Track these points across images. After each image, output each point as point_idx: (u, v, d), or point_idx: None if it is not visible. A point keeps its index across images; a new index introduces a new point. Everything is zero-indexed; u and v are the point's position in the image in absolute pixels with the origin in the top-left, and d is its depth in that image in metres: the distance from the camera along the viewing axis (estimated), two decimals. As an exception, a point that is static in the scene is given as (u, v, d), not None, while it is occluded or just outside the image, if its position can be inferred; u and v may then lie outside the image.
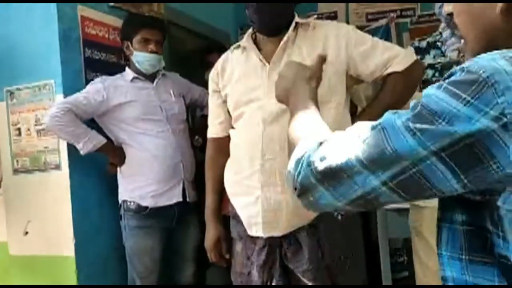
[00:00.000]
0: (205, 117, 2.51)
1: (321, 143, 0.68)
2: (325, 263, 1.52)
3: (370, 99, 1.71)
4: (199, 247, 2.34)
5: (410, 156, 0.59)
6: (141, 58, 2.16)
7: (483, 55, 0.61)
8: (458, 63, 1.77)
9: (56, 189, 2.11)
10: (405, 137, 0.59)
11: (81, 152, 2.05)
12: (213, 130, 1.78)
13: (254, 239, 1.59)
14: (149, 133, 2.14)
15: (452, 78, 0.60)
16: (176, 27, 2.93)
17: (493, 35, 0.68)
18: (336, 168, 0.64)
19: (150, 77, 2.24)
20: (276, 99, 1.00)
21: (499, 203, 0.58)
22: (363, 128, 0.66)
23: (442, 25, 1.83)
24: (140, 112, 2.14)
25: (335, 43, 1.55)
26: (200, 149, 2.46)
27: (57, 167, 2.11)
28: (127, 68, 2.23)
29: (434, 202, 1.95)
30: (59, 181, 2.10)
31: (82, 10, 2.20)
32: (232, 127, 1.69)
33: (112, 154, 2.17)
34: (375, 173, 0.61)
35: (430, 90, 0.62)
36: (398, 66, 1.55)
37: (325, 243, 1.52)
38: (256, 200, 1.54)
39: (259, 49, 1.61)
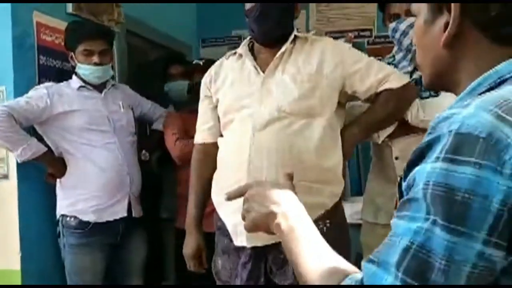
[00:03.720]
0: (155, 132, 2.48)
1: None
2: None
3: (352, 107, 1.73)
4: (149, 261, 2.30)
5: (468, 261, 0.53)
6: (85, 70, 2.10)
7: (458, 110, 0.58)
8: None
9: (3, 199, 2.02)
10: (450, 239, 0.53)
11: (18, 160, 1.95)
12: (201, 136, 1.76)
13: (238, 252, 1.57)
14: (95, 144, 2.06)
15: (444, 145, 0.55)
16: (136, 37, 2.90)
17: (439, 68, 0.71)
18: None
19: (98, 87, 2.17)
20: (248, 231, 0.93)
21: None
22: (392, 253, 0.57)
23: (395, 48, 1.91)
24: (86, 122, 2.06)
25: (331, 58, 1.57)
26: (147, 164, 2.38)
27: (5, 176, 2.03)
28: (74, 76, 2.15)
29: (384, 219, 1.99)
30: (7, 191, 2.01)
31: (38, 16, 2.14)
32: (221, 135, 1.68)
33: (52, 164, 2.07)
34: None
35: (427, 168, 0.56)
36: (393, 83, 1.59)
37: None
38: (240, 207, 1.53)
39: (255, 58, 1.62)
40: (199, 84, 2.36)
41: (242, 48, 1.66)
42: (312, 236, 0.75)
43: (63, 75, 2.23)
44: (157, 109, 2.48)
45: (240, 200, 1.55)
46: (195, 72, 2.42)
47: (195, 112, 2.41)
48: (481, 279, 0.53)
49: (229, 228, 1.59)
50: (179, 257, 2.40)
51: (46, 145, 2.06)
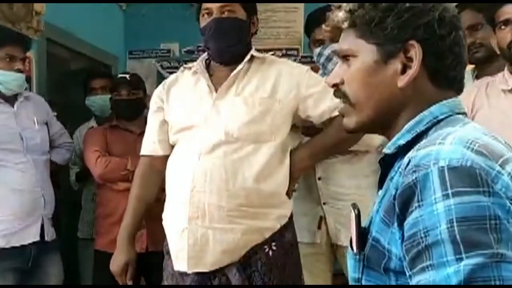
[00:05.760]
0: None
1: None
2: None
3: None
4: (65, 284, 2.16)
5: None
6: (6, 77, 1.91)
7: (435, 147, 0.61)
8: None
9: None
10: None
11: None
12: (148, 148, 1.65)
13: (183, 276, 1.51)
14: (6, 164, 1.88)
15: (442, 181, 0.58)
16: (58, 46, 2.77)
17: (387, 106, 0.74)
18: None
19: (10, 100, 1.98)
20: None
21: None
22: None
23: (320, 71, 1.96)
24: None
25: (287, 81, 1.52)
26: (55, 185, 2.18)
27: None
28: None
29: (307, 238, 2.00)
30: None
31: None
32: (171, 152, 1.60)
33: None
34: None
35: (440, 209, 0.57)
36: None
37: (257, 282, 1.47)
38: (182, 232, 1.47)
39: (210, 75, 1.56)
40: (126, 100, 2.29)
41: (198, 64, 1.58)
42: None
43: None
44: (63, 137, 2.30)
45: (180, 226, 1.51)
46: (120, 87, 2.34)
47: (117, 127, 2.34)
48: None
49: (172, 252, 1.54)
50: (97, 281, 2.30)
51: None
